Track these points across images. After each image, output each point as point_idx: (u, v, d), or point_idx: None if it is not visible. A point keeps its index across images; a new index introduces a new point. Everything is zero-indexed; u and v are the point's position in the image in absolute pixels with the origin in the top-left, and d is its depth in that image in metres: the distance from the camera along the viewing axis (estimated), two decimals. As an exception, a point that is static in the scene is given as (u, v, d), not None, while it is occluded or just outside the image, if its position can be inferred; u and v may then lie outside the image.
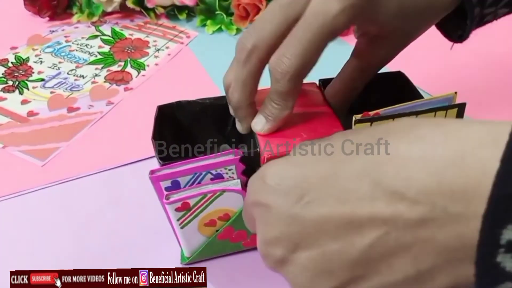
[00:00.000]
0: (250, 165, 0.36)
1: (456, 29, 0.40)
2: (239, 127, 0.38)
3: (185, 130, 0.43)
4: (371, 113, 0.35)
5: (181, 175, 0.35)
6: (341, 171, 0.24)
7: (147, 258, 0.41)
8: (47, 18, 0.77)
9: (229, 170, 0.36)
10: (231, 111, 0.38)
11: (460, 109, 0.36)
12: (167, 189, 0.35)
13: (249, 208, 0.29)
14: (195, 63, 0.66)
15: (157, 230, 0.43)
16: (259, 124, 0.36)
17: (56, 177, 0.50)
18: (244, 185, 0.37)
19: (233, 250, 0.41)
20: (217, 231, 0.39)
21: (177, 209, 0.36)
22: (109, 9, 0.75)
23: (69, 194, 0.48)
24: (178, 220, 0.37)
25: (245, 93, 0.36)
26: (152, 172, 0.35)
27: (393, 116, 0.35)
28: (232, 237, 0.39)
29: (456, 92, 0.36)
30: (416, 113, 0.35)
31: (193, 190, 0.35)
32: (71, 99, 0.60)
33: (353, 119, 0.35)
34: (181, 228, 0.37)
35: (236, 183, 0.36)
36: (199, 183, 0.36)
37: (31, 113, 0.58)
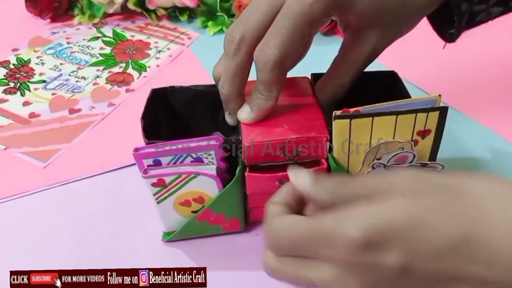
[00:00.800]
0: (232, 152, 0.38)
1: (448, 27, 0.40)
2: (228, 119, 0.40)
3: (178, 114, 0.45)
4: (351, 110, 0.36)
5: (163, 154, 0.37)
6: None
7: (147, 258, 0.41)
8: (49, 20, 0.77)
9: (209, 155, 0.37)
10: (223, 104, 0.39)
11: (442, 113, 0.36)
12: (149, 166, 0.38)
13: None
14: (196, 64, 0.67)
15: (156, 229, 0.43)
16: (244, 113, 0.38)
17: (57, 178, 0.50)
18: (223, 172, 0.38)
19: (212, 232, 0.43)
20: (193, 212, 0.40)
21: (153, 184, 0.38)
22: (110, 11, 0.75)
23: (71, 195, 0.48)
24: (154, 195, 0.39)
25: (235, 86, 0.37)
26: (136, 149, 0.37)
27: (372, 115, 0.35)
28: (211, 220, 0.41)
29: (440, 95, 0.36)
30: (396, 113, 0.35)
31: (169, 168, 0.38)
32: (72, 100, 0.60)
33: (333, 114, 0.35)
34: (157, 203, 0.39)
35: (211, 168, 0.38)
36: (180, 163, 0.38)
37: (32, 115, 0.58)
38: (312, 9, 0.33)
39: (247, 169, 0.38)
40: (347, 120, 0.35)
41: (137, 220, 0.45)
